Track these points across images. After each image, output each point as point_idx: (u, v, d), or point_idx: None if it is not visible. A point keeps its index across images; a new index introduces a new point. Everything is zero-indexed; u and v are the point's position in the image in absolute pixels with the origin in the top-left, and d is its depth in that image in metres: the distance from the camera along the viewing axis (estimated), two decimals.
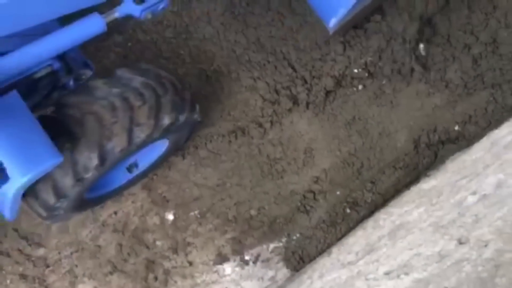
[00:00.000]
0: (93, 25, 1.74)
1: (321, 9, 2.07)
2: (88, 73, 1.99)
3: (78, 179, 1.80)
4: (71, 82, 1.95)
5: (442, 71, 2.41)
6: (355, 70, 2.44)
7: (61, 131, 1.79)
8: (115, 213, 2.36)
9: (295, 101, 2.47)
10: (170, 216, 2.40)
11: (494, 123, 2.25)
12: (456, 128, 2.36)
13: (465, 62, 2.37)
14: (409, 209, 1.87)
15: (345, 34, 2.42)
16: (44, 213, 1.89)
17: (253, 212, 2.41)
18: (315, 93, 2.46)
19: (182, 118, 1.96)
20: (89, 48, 2.49)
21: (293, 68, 2.49)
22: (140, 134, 1.83)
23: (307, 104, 2.47)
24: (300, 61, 2.48)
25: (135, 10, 1.73)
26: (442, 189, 1.81)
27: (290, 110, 2.47)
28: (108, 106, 1.80)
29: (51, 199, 1.82)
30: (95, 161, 1.77)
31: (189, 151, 2.48)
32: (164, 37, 2.50)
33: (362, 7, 2.10)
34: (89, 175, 1.80)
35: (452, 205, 1.48)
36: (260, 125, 2.48)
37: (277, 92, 2.48)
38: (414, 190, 2.13)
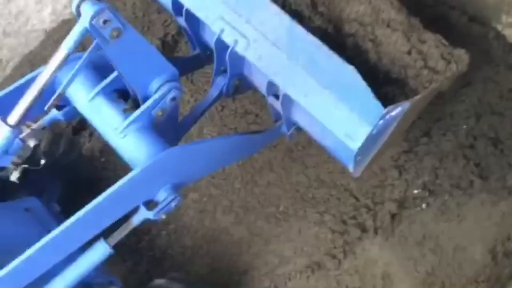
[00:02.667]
0: (99, 251, 1.90)
1: (339, 156, 2.03)
2: None
3: None
4: None
5: (502, 179, 2.47)
6: (415, 191, 2.55)
7: None
8: None
9: (363, 228, 2.57)
10: None
11: None
12: None
13: None
14: None
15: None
16: None
17: None
18: (380, 218, 2.56)
19: None
20: None
21: (355, 197, 2.64)
22: None
23: (375, 229, 2.56)
24: (360, 190, 2.64)
25: (149, 215, 1.84)
26: None
27: (360, 238, 2.57)
28: None
29: None
30: None
31: None
32: (234, 189, 2.77)
33: (383, 142, 1.97)
34: None
35: None
36: (334, 257, 2.57)
37: (344, 222, 2.61)
38: None
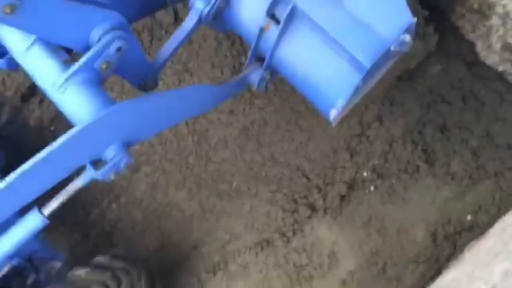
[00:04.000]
0: (33, 221, 1.78)
1: (320, 103, 1.94)
2: (57, 264, 2.14)
3: None
4: (42, 278, 2.08)
5: (446, 165, 2.58)
6: (365, 174, 2.63)
7: None
8: None
9: (313, 208, 2.63)
10: None
11: (503, 209, 2.36)
12: (469, 218, 2.47)
13: (466, 155, 2.54)
14: None
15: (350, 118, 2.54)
16: None
17: None
18: (330, 199, 2.63)
19: None
20: (121, 180, 2.77)
21: (307, 177, 2.69)
22: None
23: (325, 210, 2.63)
24: (313, 171, 2.69)
25: (97, 174, 1.70)
26: (461, 280, 1.89)
27: (309, 217, 2.63)
28: None
29: None
30: None
31: (220, 267, 2.62)
32: (188, 164, 2.76)
33: (364, 94, 1.92)
34: None
35: None
36: (284, 235, 2.62)
37: (295, 201, 2.66)
38: (438, 283, 2.20)
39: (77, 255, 2.63)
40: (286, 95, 2.75)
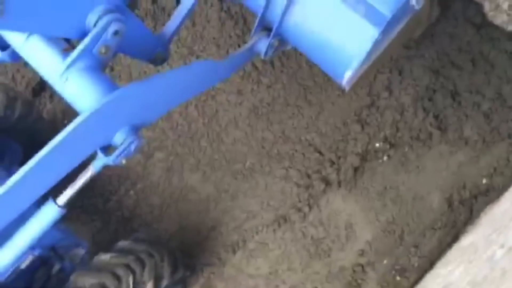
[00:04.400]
0: (49, 212, 1.80)
1: (333, 66, 1.88)
2: (81, 252, 2.20)
3: None
4: (68, 265, 2.16)
5: (459, 130, 2.56)
6: (377, 144, 2.62)
7: None
8: None
9: (327, 182, 2.65)
10: None
11: None
12: (484, 181, 2.46)
13: (478, 119, 2.52)
14: (452, 269, 1.96)
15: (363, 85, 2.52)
16: None
17: None
18: (344, 171, 2.64)
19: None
20: (137, 167, 2.81)
21: (319, 152, 2.70)
22: None
23: (339, 182, 2.64)
24: (324, 145, 2.69)
25: (108, 160, 1.68)
26: (477, 244, 1.90)
27: (324, 191, 2.65)
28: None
29: None
30: None
31: (239, 246, 2.67)
32: (200, 147, 2.79)
33: (375, 58, 1.89)
34: None
35: (485, 260, 1.58)
36: (300, 210, 2.65)
37: (309, 176, 2.67)
38: (455, 248, 2.21)
39: (100, 242, 2.70)
40: (293, 71, 2.74)
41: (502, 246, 1.55)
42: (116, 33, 1.61)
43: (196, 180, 2.78)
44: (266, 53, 2.01)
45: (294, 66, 2.74)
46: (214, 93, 2.80)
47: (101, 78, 1.64)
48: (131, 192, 2.83)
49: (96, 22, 1.57)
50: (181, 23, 1.98)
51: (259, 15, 1.89)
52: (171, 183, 2.80)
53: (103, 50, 1.62)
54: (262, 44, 1.99)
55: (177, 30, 1.98)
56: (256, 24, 1.94)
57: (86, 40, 1.58)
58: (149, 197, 2.80)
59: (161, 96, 1.77)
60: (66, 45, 1.67)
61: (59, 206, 1.78)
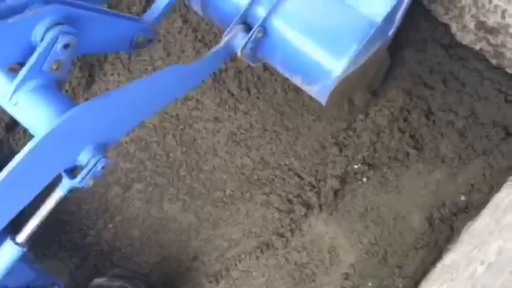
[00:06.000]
0: (7, 252, 1.63)
1: (318, 68, 1.93)
2: None
3: None
4: None
5: (435, 148, 2.59)
6: (356, 166, 2.64)
7: None
8: None
9: (308, 206, 2.64)
10: None
11: (495, 186, 2.38)
12: (463, 198, 2.49)
13: (453, 137, 2.56)
14: None
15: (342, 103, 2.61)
16: None
17: None
18: (324, 194, 2.63)
19: None
20: (115, 199, 2.76)
21: (299, 176, 2.70)
22: None
23: (320, 206, 2.63)
24: (304, 169, 2.70)
25: (74, 183, 1.58)
26: (459, 262, 1.90)
27: (305, 215, 2.64)
28: None
29: None
30: None
31: (222, 275, 2.62)
32: (179, 176, 2.76)
33: (352, 75, 1.97)
34: None
35: (467, 278, 1.58)
36: (282, 236, 2.63)
37: (290, 201, 2.66)
38: (439, 267, 2.21)
39: (78, 279, 2.62)
40: (269, 97, 2.76)
41: (482, 263, 1.55)
42: (66, 46, 1.48)
43: (176, 210, 2.74)
44: (243, 47, 1.94)
45: (270, 91, 2.76)
46: (192, 121, 2.79)
47: (56, 97, 1.52)
48: (110, 226, 2.77)
49: (43, 37, 1.45)
50: (167, 5, 1.92)
51: (244, 8, 1.90)
52: (151, 214, 2.75)
53: (54, 66, 1.50)
54: (239, 39, 1.93)
55: (164, 11, 1.91)
56: (236, 18, 1.90)
57: (33, 58, 1.45)
58: (129, 230, 2.75)
59: (125, 110, 1.66)
60: (13, 63, 1.52)
61: (18, 245, 1.63)
